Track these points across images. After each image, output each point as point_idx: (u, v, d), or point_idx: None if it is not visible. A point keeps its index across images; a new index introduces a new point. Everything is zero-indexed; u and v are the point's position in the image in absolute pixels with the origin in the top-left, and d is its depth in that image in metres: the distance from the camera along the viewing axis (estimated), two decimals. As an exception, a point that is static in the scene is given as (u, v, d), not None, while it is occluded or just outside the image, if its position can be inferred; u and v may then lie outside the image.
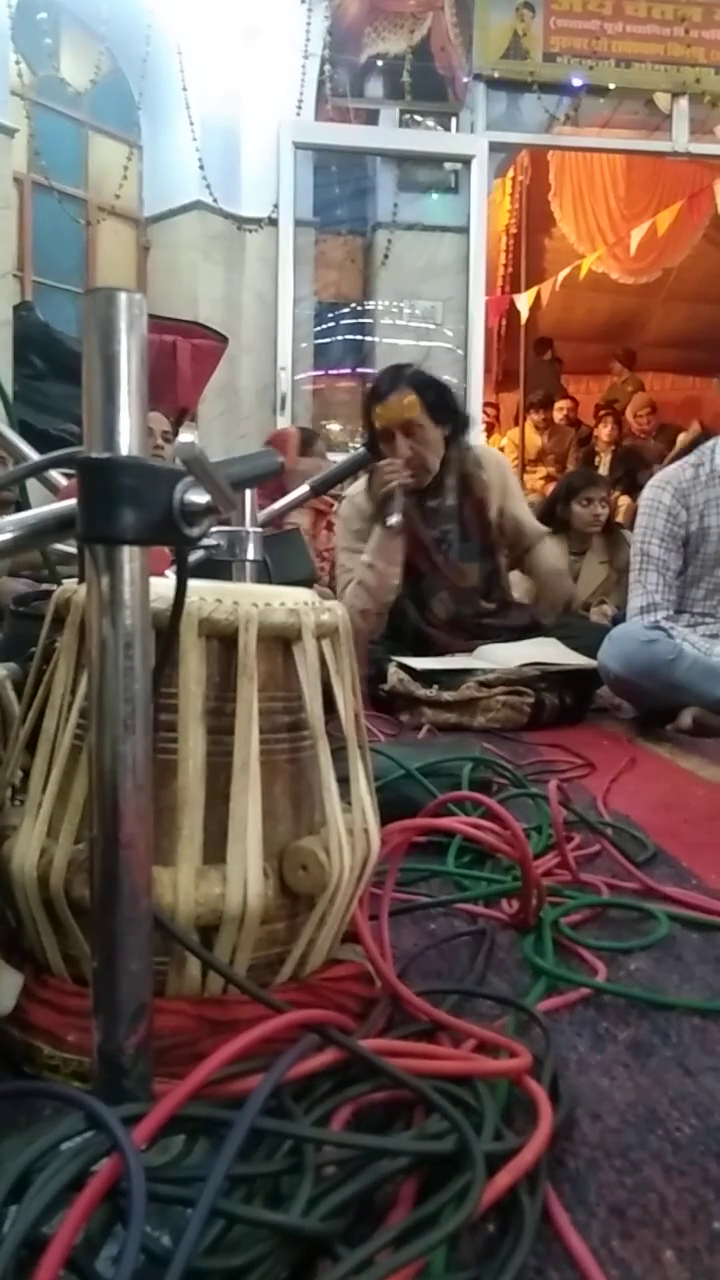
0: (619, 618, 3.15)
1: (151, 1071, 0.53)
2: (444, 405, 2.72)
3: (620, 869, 1.13)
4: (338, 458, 4.12)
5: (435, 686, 2.38)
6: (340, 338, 6.09)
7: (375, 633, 2.71)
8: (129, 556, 0.51)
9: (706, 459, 2.49)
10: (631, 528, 2.99)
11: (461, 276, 5.92)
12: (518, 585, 3.08)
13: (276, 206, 5.61)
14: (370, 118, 5.96)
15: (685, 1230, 0.53)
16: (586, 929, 0.98)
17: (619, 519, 4.54)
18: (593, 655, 2.42)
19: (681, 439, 6.65)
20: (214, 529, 1.24)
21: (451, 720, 2.32)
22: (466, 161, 5.85)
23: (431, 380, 2.74)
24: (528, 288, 7.64)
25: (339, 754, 0.73)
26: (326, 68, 5.67)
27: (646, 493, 2.58)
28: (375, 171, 5.99)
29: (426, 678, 2.42)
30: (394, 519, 2.61)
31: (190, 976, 0.66)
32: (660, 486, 2.52)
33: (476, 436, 4.73)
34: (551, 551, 3.00)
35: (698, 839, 1.36)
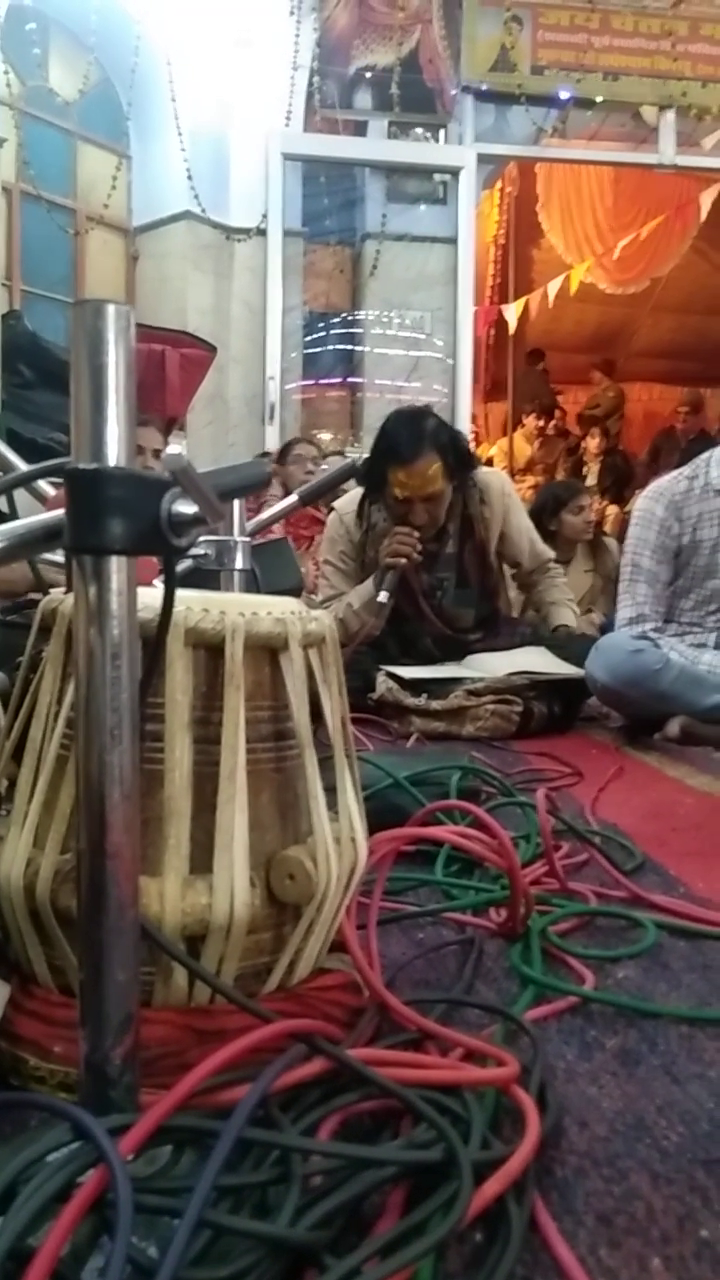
0: (607, 626, 3.15)
1: (138, 1082, 0.53)
2: (460, 463, 2.62)
3: (608, 877, 1.14)
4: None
5: (424, 695, 2.39)
6: (329, 347, 6.11)
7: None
8: (117, 567, 0.51)
9: (701, 472, 2.48)
10: (620, 537, 2.99)
11: (450, 287, 5.95)
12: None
13: (265, 217, 5.63)
14: (359, 129, 5.99)
15: (672, 1238, 0.53)
16: (574, 937, 0.99)
17: (606, 528, 4.57)
18: (581, 664, 2.42)
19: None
20: (202, 538, 1.24)
21: (440, 729, 2.32)
22: (455, 173, 5.89)
23: (450, 436, 2.63)
24: (516, 298, 7.68)
25: (327, 763, 0.74)
26: (315, 79, 5.70)
27: (640, 504, 2.58)
28: (364, 182, 6.02)
29: (415, 686, 2.42)
30: (384, 596, 2.55)
31: (177, 986, 0.66)
32: (654, 498, 2.51)
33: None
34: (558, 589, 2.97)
35: (685, 847, 1.36)
